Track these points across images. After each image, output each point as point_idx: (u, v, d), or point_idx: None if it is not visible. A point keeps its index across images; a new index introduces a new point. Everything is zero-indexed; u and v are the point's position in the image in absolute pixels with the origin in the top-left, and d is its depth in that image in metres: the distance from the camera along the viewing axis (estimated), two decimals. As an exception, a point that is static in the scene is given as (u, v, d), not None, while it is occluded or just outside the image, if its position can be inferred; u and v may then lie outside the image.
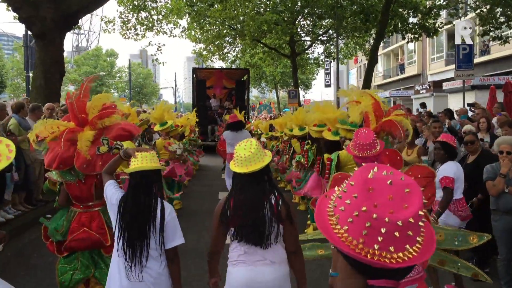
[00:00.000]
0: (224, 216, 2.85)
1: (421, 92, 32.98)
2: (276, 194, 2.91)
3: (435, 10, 17.47)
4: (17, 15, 11.84)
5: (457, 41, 22.51)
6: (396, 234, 1.08)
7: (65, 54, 12.85)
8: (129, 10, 20.40)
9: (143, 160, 3.03)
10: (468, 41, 25.73)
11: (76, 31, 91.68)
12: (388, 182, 1.13)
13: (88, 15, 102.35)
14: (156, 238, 2.98)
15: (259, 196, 2.83)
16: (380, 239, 1.08)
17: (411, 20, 19.21)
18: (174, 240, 3.04)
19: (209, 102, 21.17)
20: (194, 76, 21.07)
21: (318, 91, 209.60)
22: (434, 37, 25.12)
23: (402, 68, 40.44)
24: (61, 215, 4.06)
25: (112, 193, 3.14)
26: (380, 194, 1.11)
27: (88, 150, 3.65)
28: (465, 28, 19.35)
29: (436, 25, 18.41)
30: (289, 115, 8.59)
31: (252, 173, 2.79)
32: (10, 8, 11.91)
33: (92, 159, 3.68)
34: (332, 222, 1.18)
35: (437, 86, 29.64)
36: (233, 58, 28.69)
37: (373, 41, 18.23)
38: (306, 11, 22.48)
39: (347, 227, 1.13)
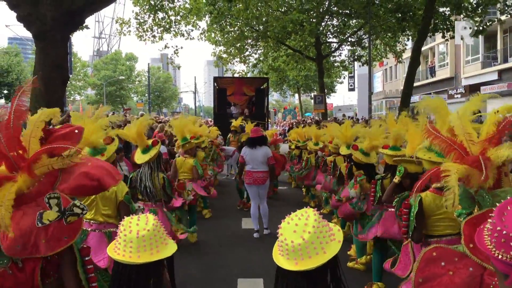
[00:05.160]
0: None
1: (455, 96, 30.92)
2: None
3: (482, 7, 15.65)
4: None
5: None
6: None
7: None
8: (145, 11, 19.16)
9: (125, 249, 2.04)
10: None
11: (97, 35, 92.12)
12: None
13: (109, 19, 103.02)
14: None
15: None
16: None
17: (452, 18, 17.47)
18: None
19: (229, 109, 20.01)
20: (215, 84, 20.15)
21: (341, 95, 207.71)
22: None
23: (432, 71, 38.33)
24: None
25: None
26: None
27: (10, 220, 1.99)
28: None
29: (482, 24, 16.60)
30: (333, 128, 7.02)
31: (306, 271, 1.75)
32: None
33: (30, 235, 2.05)
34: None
35: (473, 90, 27.54)
36: (254, 61, 27.20)
37: (414, 41, 16.45)
38: (334, 9, 20.82)
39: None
